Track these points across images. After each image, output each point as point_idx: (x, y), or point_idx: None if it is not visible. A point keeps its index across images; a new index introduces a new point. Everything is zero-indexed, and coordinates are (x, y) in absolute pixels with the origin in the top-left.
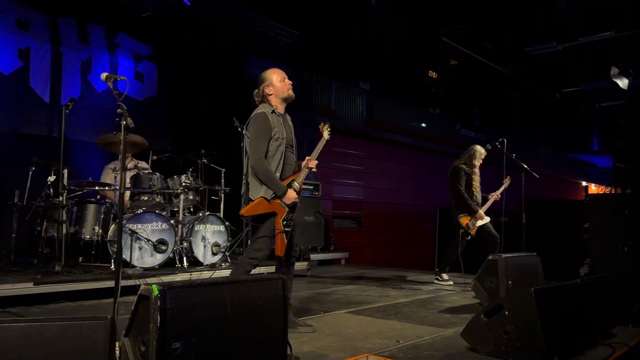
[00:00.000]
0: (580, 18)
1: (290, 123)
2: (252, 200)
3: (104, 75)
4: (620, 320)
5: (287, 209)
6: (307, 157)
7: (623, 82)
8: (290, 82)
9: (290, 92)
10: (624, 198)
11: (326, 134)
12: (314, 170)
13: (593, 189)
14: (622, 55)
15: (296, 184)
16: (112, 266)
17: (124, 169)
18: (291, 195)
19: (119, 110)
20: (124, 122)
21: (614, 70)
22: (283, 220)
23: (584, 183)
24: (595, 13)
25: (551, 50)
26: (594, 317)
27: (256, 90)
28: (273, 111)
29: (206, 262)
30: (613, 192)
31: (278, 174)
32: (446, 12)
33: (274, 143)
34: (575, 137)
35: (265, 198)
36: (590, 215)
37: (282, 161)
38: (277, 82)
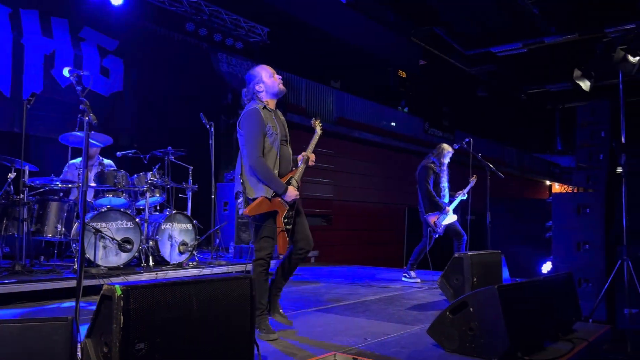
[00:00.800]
0: (546, 20)
1: (282, 118)
2: (252, 200)
3: (66, 69)
4: (581, 316)
5: (287, 207)
6: (302, 153)
7: (585, 84)
8: (280, 77)
9: (281, 87)
10: (585, 197)
11: (319, 129)
12: (312, 164)
13: (557, 188)
14: (585, 58)
15: (294, 181)
16: (76, 266)
17: (86, 166)
18: (292, 192)
19: (81, 106)
20: (87, 118)
21: (577, 73)
22: (284, 219)
23: (547, 182)
24: (560, 16)
25: (517, 51)
26: (555, 313)
27: (245, 89)
28: (264, 107)
29: (173, 262)
30: (575, 191)
31: (276, 171)
32: (416, 12)
33: (268, 139)
34: (540, 137)
35: (266, 197)
36: (553, 214)
37: (278, 157)
38: (267, 79)
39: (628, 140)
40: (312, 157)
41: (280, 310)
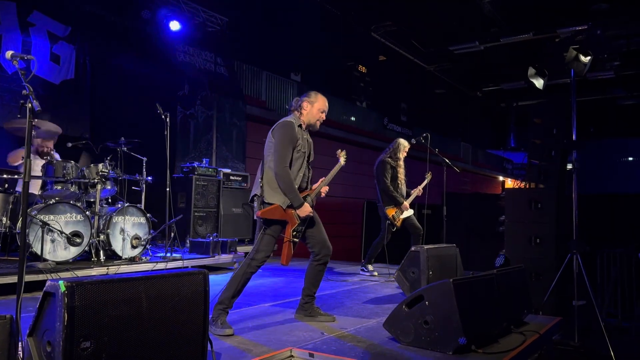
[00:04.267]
0: (502, 20)
1: (310, 140)
2: (269, 204)
3: (9, 53)
4: (532, 308)
5: (299, 221)
6: (321, 179)
7: (539, 82)
8: (324, 118)
9: (318, 125)
10: (537, 193)
11: (342, 160)
12: (323, 195)
13: (509, 183)
14: (539, 57)
15: (309, 199)
16: None
17: (29, 156)
18: (306, 209)
19: (24, 92)
20: (29, 105)
21: (531, 71)
22: (293, 231)
23: (501, 178)
24: (516, 16)
25: (474, 49)
26: (508, 306)
27: (297, 98)
28: (300, 125)
29: (125, 256)
30: (527, 186)
31: (296, 185)
32: (376, 8)
33: (296, 154)
34: (494, 134)
35: (281, 206)
36: (506, 209)
37: (299, 173)
38: (316, 109)
39: (579, 137)
40: (325, 189)
41: (321, 311)
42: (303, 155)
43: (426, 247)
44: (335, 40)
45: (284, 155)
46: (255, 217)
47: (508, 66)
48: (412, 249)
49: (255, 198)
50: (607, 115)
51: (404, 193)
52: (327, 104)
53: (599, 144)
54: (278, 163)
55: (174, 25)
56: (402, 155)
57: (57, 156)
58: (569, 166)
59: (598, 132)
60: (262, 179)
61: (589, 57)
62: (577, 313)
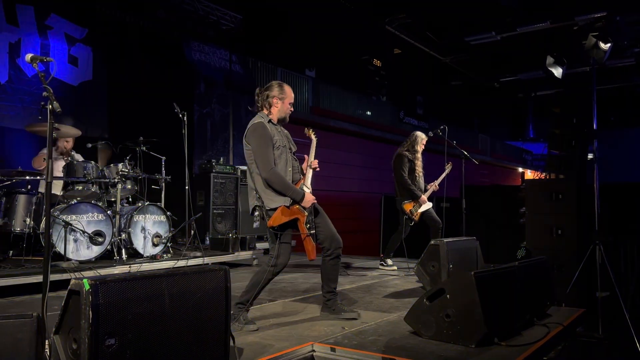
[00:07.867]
0: (518, 9)
1: (286, 131)
2: (272, 210)
3: (29, 56)
4: (555, 300)
5: (306, 213)
6: (305, 159)
7: (557, 72)
8: (292, 109)
9: (288, 118)
10: (557, 183)
11: (313, 137)
12: (318, 169)
13: (529, 174)
14: (557, 45)
15: (306, 188)
16: None
17: (51, 157)
18: (309, 198)
19: (44, 94)
20: (50, 107)
21: (549, 60)
22: (306, 224)
23: (520, 169)
24: (532, 4)
25: (490, 40)
26: (530, 298)
27: (261, 90)
28: (269, 120)
29: (146, 254)
30: (547, 177)
31: (290, 180)
32: (390, 0)
33: (276, 151)
34: (513, 125)
35: (285, 206)
36: (526, 200)
37: (287, 167)
38: (287, 104)
39: (599, 126)
40: (315, 163)
41: (345, 307)
42: (284, 149)
43: (446, 240)
44: (349, 34)
45: (266, 157)
46: (266, 227)
47: (525, 56)
48: (432, 242)
49: (256, 209)
50: (628, 103)
51: (422, 186)
52: (293, 94)
53: (619, 132)
54: (263, 167)
55: (188, 24)
56: (420, 148)
57: (78, 157)
58: (590, 156)
59: (619, 120)
60: (255, 188)
61: (608, 44)
62: (601, 304)
